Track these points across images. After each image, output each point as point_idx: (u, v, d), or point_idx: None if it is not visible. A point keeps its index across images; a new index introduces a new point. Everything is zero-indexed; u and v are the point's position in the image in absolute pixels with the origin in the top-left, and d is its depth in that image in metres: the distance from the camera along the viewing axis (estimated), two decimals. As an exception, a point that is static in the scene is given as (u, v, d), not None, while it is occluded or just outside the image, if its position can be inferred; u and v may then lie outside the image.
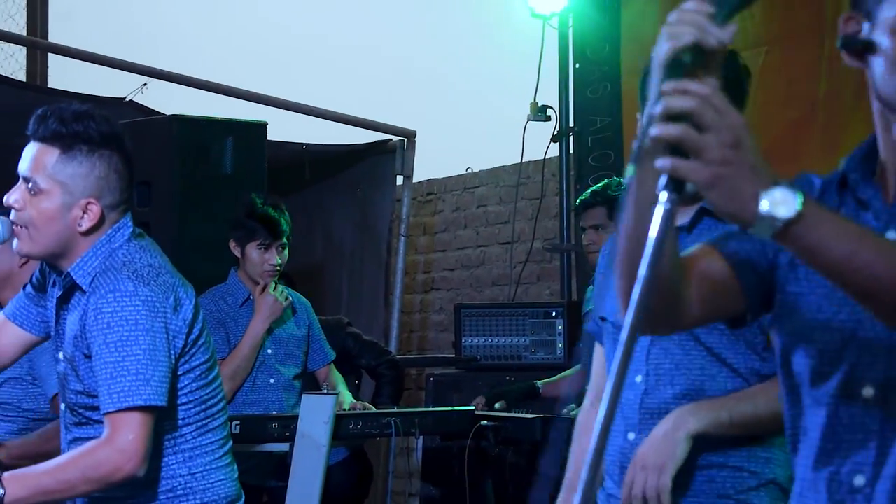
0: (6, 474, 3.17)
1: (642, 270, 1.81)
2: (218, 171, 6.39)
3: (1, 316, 3.53)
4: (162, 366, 3.19)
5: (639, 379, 3.11)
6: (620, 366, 1.79)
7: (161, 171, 6.27)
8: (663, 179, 1.83)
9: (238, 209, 5.86)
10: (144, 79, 7.86)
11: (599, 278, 3.48)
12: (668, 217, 1.84)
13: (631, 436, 3.12)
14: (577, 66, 7.64)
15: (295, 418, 5.51)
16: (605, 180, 5.90)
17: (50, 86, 9.02)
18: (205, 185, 6.35)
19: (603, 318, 3.27)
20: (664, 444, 3.00)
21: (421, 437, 6.46)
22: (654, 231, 1.83)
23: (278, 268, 5.87)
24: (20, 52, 9.33)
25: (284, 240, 5.87)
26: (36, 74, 9.42)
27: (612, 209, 5.51)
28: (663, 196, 1.84)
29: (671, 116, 1.84)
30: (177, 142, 6.36)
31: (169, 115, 6.60)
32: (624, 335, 1.82)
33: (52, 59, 9.38)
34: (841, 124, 6.52)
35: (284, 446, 5.58)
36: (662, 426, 3.02)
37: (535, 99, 7.82)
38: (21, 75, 9.25)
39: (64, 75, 9.05)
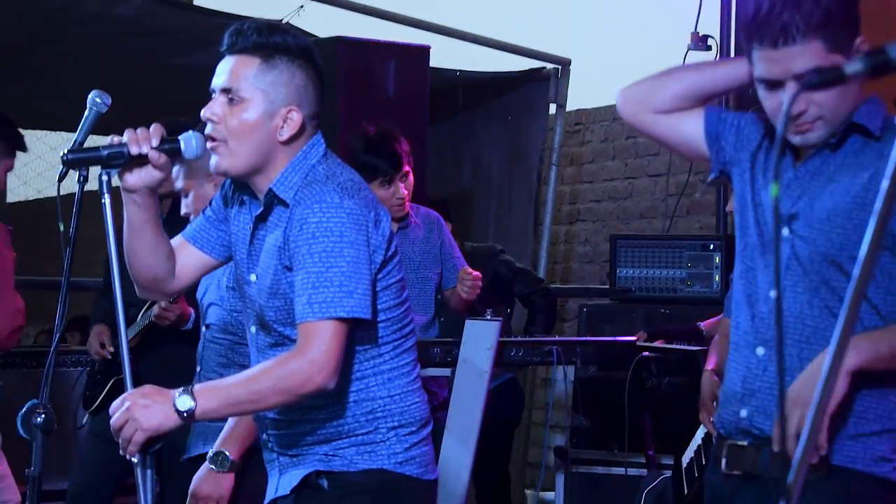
0: (197, 386, 3.18)
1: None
2: (380, 94, 6.39)
3: (179, 238, 3.53)
4: (365, 279, 3.18)
5: (773, 294, 3.04)
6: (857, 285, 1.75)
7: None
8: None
9: (354, 143, 5.68)
10: (301, 1, 7.87)
11: None
12: None
13: (760, 351, 3.08)
14: (743, -7, 7.50)
15: (457, 343, 5.51)
16: None
17: (195, 3, 8.99)
18: (366, 108, 6.35)
19: None
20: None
21: (573, 368, 6.42)
22: None
23: (406, 199, 5.72)
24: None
25: (406, 167, 5.69)
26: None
27: None
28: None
29: None
30: (339, 64, 6.36)
31: (333, 37, 6.60)
32: (861, 255, 1.77)
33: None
34: None
35: (447, 371, 5.60)
36: (819, 360, 2.93)
37: (695, 28, 7.69)
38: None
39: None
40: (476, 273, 5.74)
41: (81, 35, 7.51)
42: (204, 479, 4.00)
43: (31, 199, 13.90)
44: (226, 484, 3.98)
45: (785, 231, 3.04)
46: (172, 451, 5.14)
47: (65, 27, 7.45)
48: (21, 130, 5.46)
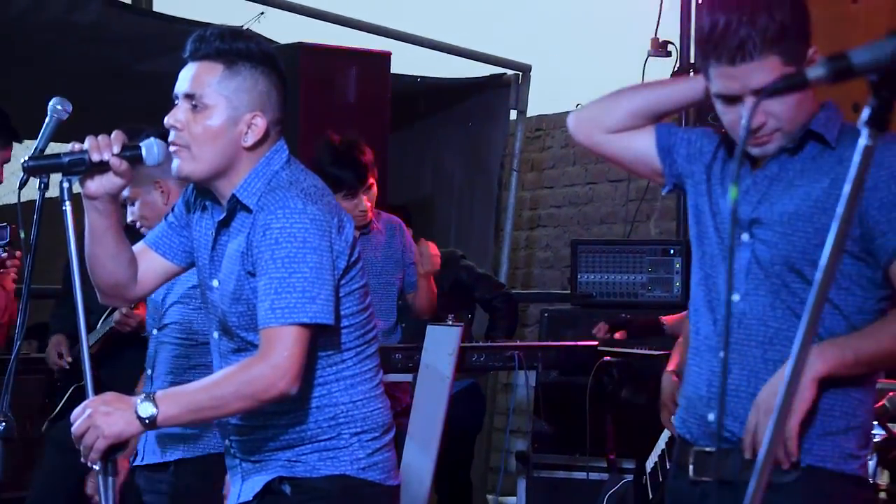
0: (159, 392, 3.17)
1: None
2: (341, 100, 6.39)
3: (141, 244, 3.52)
4: (327, 285, 3.18)
5: (736, 297, 3.06)
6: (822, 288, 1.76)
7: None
8: (866, 113, 1.80)
9: (318, 152, 5.62)
10: (261, 7, 7.86)
11: None
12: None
13: (722, 354, 3.08)
14: None
15: (419, 349, 5.52)
16: None
17: (155, 9, 8.95)
18: (327, 114, 6.35)
19: None
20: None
21: (535, 373, 6.44)
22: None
23: (369, 210, 5.70)
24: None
25: (371, 179, 5.64)
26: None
27: None
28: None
29: None
30: (300, 70, 6.36)
31: (294, 43, 6.60)
32: (824, 258, 1.79)
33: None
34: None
35: (408, 377, 5.60)
36: (786, 369, 2.93)
37: (655, 34, 7.73)
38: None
39: (172, 1, 9.00)
40: (432, 244, 5.80)
41: (41, 42, 7.48)
42: None
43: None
44: None
45: (745, 236, 3.06)
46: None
47: (24, 34, 7.42)
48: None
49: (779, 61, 2.94)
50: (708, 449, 3.11)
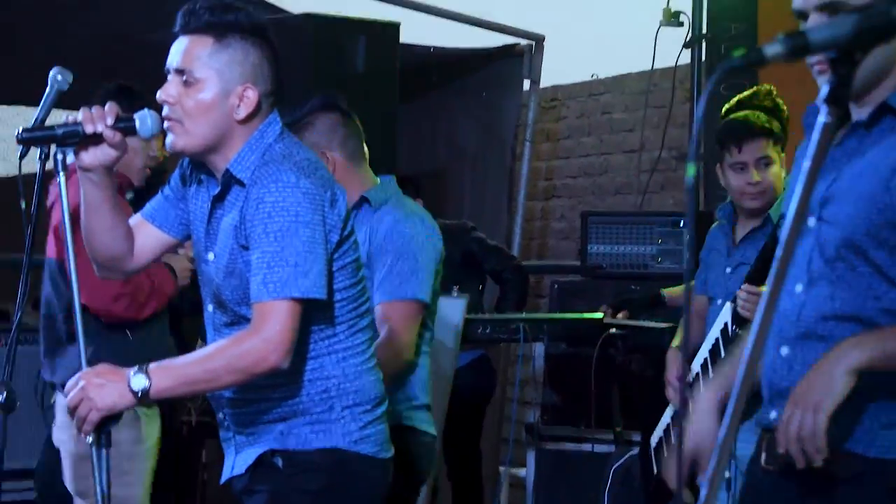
0: (152, 365, 3.20)
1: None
2: (350, 70, 6.39)
3: (138, 217, 3.54)
4: (320, 259, 3.20)
5: (799, 288, 2.90)
6: (780, 266, 1.75)
7: (293, 69, 6.26)
8: (825, 90, 1.78)
9: None
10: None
11: None
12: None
13: (784, 350, 2.92)
14: (714, -31, 7.52)
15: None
16: (754, 88, 5.10)
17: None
18: (336, 84, 6.34)
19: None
20: (822, 379, 2.74)
21: (543, 345, 6.45)
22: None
23: None
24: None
25: None
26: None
27: (776, 136, 4.81)
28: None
29: None
30: (310, 40, 6.36)
31: (302, 14, 6.60)
32: (784, 231, 1.78)
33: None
34: None
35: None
36: (822, 360, 2.78)
37: (668, 4, 7.71)
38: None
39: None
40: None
41: (52, 9, 7.49)
42: None
43: (11, 175, 13.86)
44: None
45: (812, 221, 2.91)
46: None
47: (35, 4, 7.43)
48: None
49: None
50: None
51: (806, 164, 1.73)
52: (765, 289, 1.80)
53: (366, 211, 4.27)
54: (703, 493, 1.85)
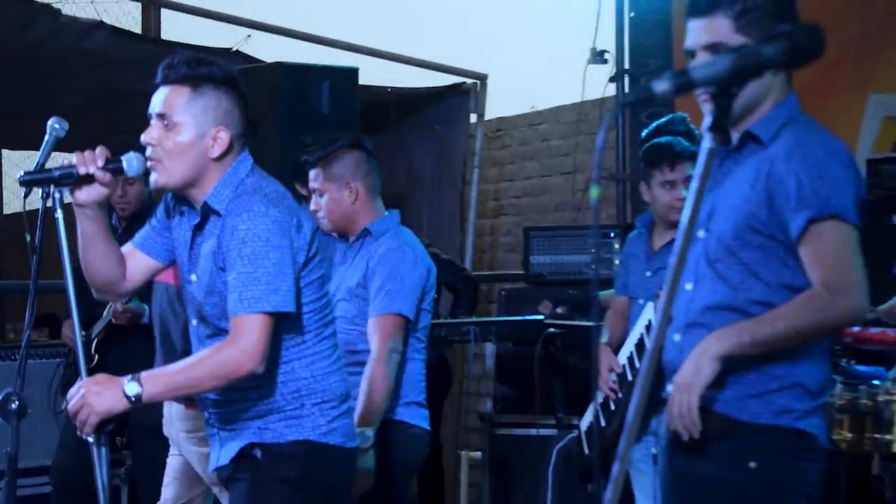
0: (144, 374, 3.22)
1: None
2: (316, 110, 6.41)
3: (129, 245, 3.57)
4: (289, 277, 3.24)
5: (689, 286, 3.06)
6: (674, 272, 1.79)
7: (267, 110, 6.30)
8: (708, 120, 1.82)
9: (295, 153, 5.58)
10: (248, 30, 7.88)
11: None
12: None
13: (676, 337, 3.09)
14: (633, 14, 7.57)
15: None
16: (669, 115, 5.18)
17: (163, 37, 9.02)
18: (304, 124, 6.36)
19: None
20: (693, 366, 2.96)
21: (493, 344, 6.49)
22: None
23: None
24: (136, 10, 9.32)
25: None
26: (150, 29, 9.42)
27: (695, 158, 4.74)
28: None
29: None
30: (281, 85, 6.38)
31: (274, 62, 6.62)
32: (677, 243, 1.82)
33: (165, 13, 9.37)
34: (870, 64, 6.44)
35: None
36: (694, 350, 2.98)
37: (594, 44, 7.75)
38: (137, 30, 9.27)
39: (175, 28, 9.06)
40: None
41: (54, 67, 7.49)
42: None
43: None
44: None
45: (701, 233, 3.06)
46: (141, 429, 5.16)
47: (39, 60, 7.42)
48: (14, 152, 5.42)
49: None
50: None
51: (693, 184, 1.77)
52: (663, 290, 1.84)
53: (368, 241, 4.37)
54: (614, 468, 1.88)
